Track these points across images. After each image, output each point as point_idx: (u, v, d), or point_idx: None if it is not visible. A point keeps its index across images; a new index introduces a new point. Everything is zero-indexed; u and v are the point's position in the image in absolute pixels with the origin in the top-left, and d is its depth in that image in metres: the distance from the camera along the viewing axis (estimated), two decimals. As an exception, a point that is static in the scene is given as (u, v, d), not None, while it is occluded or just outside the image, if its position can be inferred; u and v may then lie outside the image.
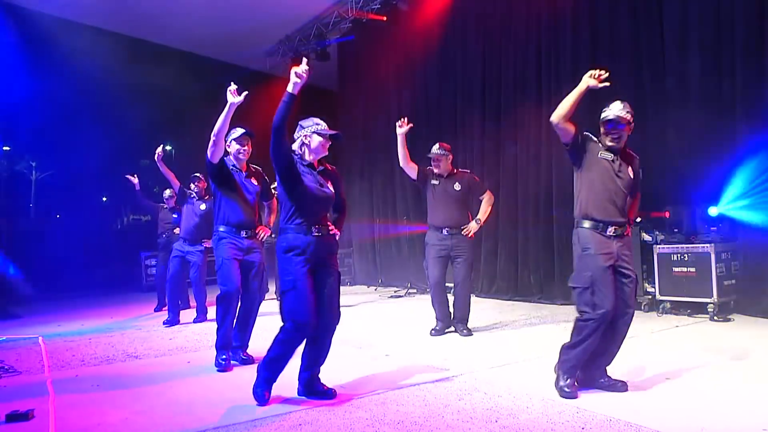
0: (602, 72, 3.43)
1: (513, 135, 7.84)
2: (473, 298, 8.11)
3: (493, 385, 3.72)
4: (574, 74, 7.07)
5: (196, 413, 3.41)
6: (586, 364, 3.50)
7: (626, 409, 3.15)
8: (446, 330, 5.60)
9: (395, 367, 4.20)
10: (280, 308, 3.51)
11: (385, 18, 9.43)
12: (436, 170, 5.63)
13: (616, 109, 3.54)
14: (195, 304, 7.10)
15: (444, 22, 8.99)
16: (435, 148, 5.61)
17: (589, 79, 3.45)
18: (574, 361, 3.45)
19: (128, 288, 11.41)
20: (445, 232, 5.53)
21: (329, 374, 4.11)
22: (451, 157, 5.65)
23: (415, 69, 9.56)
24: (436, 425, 3.04)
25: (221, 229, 4.53)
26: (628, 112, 3.54)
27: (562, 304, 6.90)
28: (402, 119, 5.40)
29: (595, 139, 3.66)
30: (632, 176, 3.58)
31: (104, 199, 17.04)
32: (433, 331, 5.54)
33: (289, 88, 3.30)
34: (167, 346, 5.53)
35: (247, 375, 4.31)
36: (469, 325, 5.57)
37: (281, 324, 3.46)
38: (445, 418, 3.14)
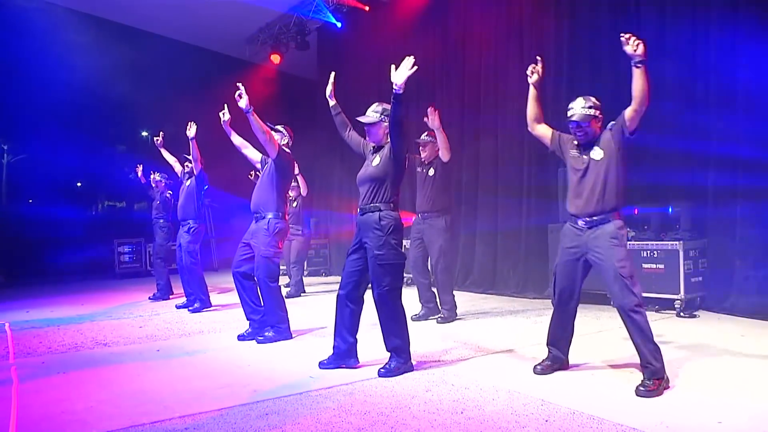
0: (532, 66, 3.70)
1: (493, 128, 7.84)
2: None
3: (461, 377, 3.76)
4: (556, 66, 7.06)
5: (162, 402, 3.39)
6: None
7: (590, 402, 3.20)
8: (430, 317, 5.76)
9: (365, 358, 4.20)
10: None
11: (367, 8, 9.38)
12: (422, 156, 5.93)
13: (578, 108, 3.55)
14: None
15: (424, 12, 8.95)
16: (423, 136, 5.95)
17: (529, 79, 3.70)
18: None
19: (101, 275, 11.24)
20: (419, 216, 5.86)
21: (300, 365, 4.11)
22: (436, 143, 5.79)
23: (396, 58, 9.49)
24: (402, 416, 3.06)
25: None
26: (590, 107, 3.54)
27: (534, 298, 6.98)
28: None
29: (568, 135, 3.70)
30: (598, 158, 3.51)
31: (78, 184, 16.73)
32: (413, 316, 5.60)
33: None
34: (137, 335, 5.47)
35: (214, 363, 4.30)
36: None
37: None
38: (411, 409, 3.16)
